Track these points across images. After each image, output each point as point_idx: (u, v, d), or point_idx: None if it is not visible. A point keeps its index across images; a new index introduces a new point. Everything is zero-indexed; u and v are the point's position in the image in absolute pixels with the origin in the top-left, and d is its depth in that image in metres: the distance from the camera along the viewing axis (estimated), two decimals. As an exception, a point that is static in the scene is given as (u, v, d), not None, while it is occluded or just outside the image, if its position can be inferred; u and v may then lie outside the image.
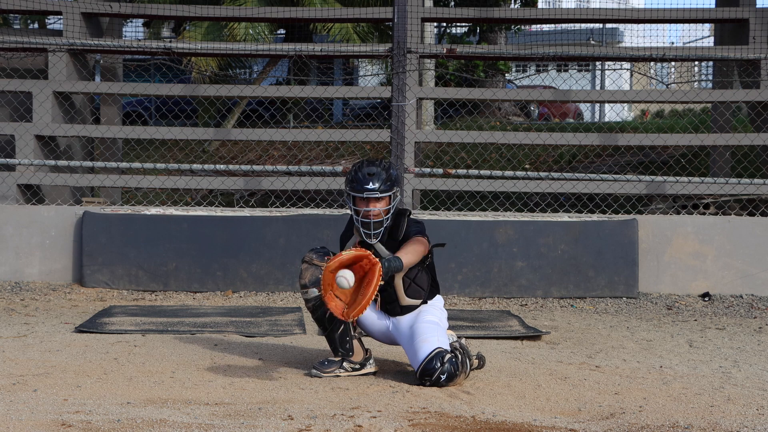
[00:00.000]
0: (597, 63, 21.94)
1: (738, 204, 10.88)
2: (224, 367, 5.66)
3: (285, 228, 9.33)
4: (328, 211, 9.78)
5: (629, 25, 20.49)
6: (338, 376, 5.45)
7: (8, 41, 10.85)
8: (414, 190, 10.23)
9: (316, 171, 10.30)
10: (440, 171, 10.22)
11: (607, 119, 23.59)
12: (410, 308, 5.46)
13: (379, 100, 19.29)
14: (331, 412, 4.60)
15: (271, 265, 9.29)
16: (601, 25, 21.31)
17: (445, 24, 21.32)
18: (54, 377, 5.32)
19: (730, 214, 10.36)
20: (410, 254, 5.24)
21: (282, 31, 21.71)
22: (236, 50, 12.56)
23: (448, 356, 5.18)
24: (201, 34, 18.91)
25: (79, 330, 6.94)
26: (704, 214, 10.72)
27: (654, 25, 17.59)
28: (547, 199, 12.07)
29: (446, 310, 5.65)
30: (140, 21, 22.43)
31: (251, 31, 18.42)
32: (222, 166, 10.62)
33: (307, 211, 9.76)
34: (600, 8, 13.18)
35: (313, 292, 5.41)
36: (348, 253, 5.09)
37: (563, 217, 9.58)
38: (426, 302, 5.49)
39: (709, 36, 21.17)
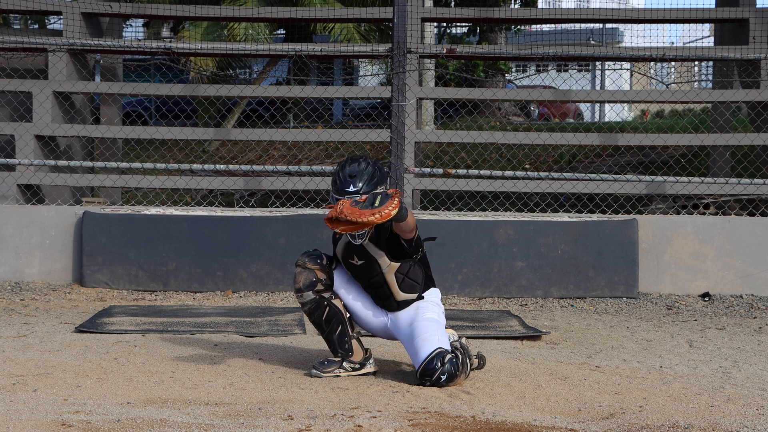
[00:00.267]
0: (597, 63, 21.94)
1: (738, 204, 10.88)
2: (224, 367, 5.66)
3: (285, 228, 9.33)
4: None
5: (629, 25, 20.48)
6: (338, 376, 5.45)
7: (8, 41, 10.85)
8: (414, 190, 10.23)
9: (316, 171, 10.30)
10: (440, 171, 10.21)
11: (607, 119, 23.58)
12: (407, 303, 5.44)
13: (379, 100, 19.29)
14: (331, 412, 4.60)
15: (271, 265, 9.29)
16: (601, 25, 21.29)
17: (445, 24, 21.32)
18: (54, 377, 5.31)
19: (730, 214, 10.35)
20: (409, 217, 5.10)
21: (282, 31, 21.71)
22: (236, 50, 12.57)
23: (448, 356, 5.17)
24: (200, 33, 18.92)
25: (79, 330, 6.94)
26: (704, 214, 10.72)
27: (654, 25, 17.58)
28: (547, 199, 12.07)
29: (447, 310, 5.65)
30: (140, 21, 22.42)
31: (251, 31, 18.43)
32: (222, 166, 10.61)
33: (307, 211, 9.75)
34: (600, 8, 13.18)
35: (309, 295, 5.41)
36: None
37: (563, 217, 9.58)
38: (422, 296, 5.47)
39: (709, 36, 21.16)
